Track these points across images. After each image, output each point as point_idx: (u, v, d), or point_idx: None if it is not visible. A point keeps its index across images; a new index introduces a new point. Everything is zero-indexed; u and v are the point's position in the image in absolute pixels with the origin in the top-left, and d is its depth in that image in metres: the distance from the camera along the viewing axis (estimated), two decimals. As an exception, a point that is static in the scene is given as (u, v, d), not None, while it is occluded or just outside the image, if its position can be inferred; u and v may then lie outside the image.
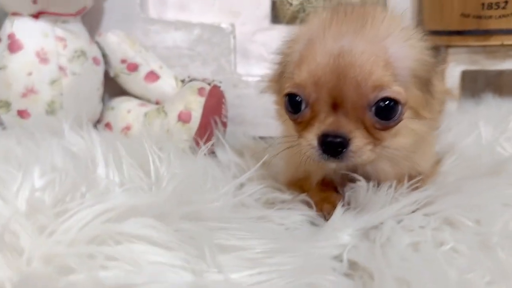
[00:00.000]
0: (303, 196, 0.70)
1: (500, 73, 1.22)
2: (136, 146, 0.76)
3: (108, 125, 0.92)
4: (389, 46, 0.56)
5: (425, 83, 0.60)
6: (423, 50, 0.60)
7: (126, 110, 0.91)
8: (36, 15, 0.84)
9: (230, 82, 1.07)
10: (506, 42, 1.07)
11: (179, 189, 0.57)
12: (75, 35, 0.87)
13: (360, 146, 0.55)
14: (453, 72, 1.16)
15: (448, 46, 1.15)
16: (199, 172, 0.73)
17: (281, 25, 1.22)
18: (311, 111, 0.57)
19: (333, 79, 0.54)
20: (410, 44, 0.58)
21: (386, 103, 0.55)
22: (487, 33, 1.07)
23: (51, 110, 0.84)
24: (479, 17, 1.07)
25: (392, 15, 0.61)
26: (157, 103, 0.96)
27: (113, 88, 0.99)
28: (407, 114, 0.58)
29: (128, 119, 0.90)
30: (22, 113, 0.83)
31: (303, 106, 0.58)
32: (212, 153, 0.90)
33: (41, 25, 0.84)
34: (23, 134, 0.78)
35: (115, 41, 0.92)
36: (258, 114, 1.06)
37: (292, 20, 1.25)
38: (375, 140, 0.56)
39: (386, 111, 0.55)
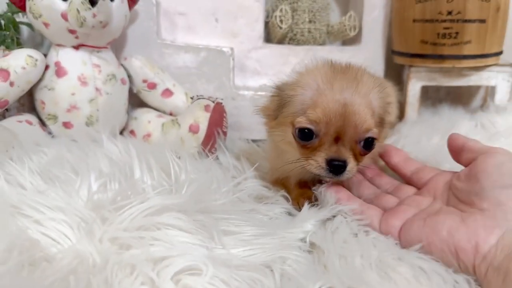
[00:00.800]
0: (283, 193, 0.95)
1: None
2: (158, 153, 0.99)
3: (132, 132, 1.15)
4: (372, 99, 0.81)
5: (383, 122, 0.86)
6: (385, 100, 0.85)
7: (147, 120, 1.15)
8: (77, 47, 1.06)
9: (230, 96, 1.29)
10: (457, 65, 1.30)
11: (195, 191, 0.80)
12: (107, 62, 1.09)
13: (352, 167, 0.79)
14: (414, 87, 1.39)
15: (410, 66, 1.38)
16: (208, 175, 0.97)
17: (272, 44, 1.45)
18: (319, 141, 0.79)
19: (340, 121, 0.77)
20: (380, 97, 0.83)
21: (369, 140, 0.80)
22: (442, 57, 1.30)
23: (90, 122, 1.06)
24: (435, 44, 1.29)
25: (370, 74, 0.86)
26: (170, 114, 1.19)
27: (135, 100, 1.22)
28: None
29: (149, 128, 1.13)
30: (66, 124, 1.06)
31: (313, 137, 0.79)
32: (215, 157, 1.14)
33: (81, 54, 1.06)
34: (70, 143, 1.00)
35: (138, 65, 1.15)
36: (252, 121, 1.29)
37: (281, 39, 1.48)
38: (357, 161, 0.82)
39: (369, 144, 0.81)
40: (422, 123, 1.29)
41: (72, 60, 1.05)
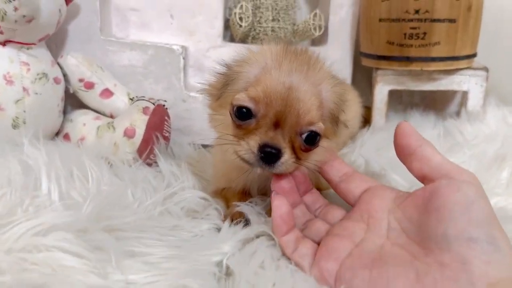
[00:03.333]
0: (216, 206, 0.87)
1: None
2: (82, 160, 0.91)
3: (66, 136, 1.07)
4: (322, 90, 0.72)
5: (335, 119, 0.76)
6: (340, 95, 0.75)
7: (82, 123, 1.06)
8: (3, 43, 0.98)
9: (180, 98, 1.21)
10: (425, 68, 1.21)
11: (100, 207, 0.72)
12: (37, 60, 1.00)
13: (287, 159, 0.69)
14: (381, 91, 1.30)
15: (377, 68, 1.29)
16: (124, 186, 0.88)
17: (232, 43, 1.36)
18: (256, 123, 0.69)
19: (282, 106, 0.67)
20: (333, 91, 0.74)
21: (312, 134, 0.70)
22: (409, 59, 1.21)
23: (16, 124, 0.98)
24: (401, 45, 1.20)
25: (324, 65, 0.76)
26: (111, 116, 1.11)
27: (76, 101, 1.14)
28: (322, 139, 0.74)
29: (83, 131, 1.05)
30: (-10, 127, 0.98)
31: (250, 117, 0.69)
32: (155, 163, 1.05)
33: (8, 51, 0.97)
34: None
35: (74, 63, 1.06)
36: (204, 126, 1.20)
37: (244, 38, 1.39)
38: (297, 157, 0.71)
39: (311, 139, 0.71)
40: (386, 130, 1.19)
41: (-2, 57, 0.97)
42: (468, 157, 0.95)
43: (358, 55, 1.39)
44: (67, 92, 1.10)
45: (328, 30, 1.36)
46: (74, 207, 0.72)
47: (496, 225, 0.53)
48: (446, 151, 0.98)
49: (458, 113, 1.33)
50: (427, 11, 1.16)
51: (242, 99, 0.70)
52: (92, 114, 1.09)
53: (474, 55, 1.25)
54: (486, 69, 1.26)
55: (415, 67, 1.21)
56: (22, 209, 0.68)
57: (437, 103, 1.50)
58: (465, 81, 1.26)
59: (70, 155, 0.92)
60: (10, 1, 0.88)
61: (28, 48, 1.00)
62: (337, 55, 1.37)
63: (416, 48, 1.19)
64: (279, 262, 0.66)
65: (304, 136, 0.70)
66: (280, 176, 0.73)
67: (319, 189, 0.86)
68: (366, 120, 1.32)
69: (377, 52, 1.26)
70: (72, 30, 1.15)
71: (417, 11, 1.16)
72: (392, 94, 1.34)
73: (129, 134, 1.00)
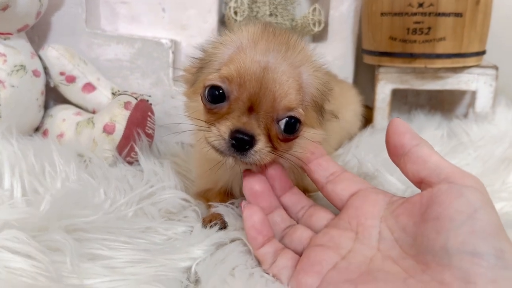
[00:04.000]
0: (195, 208, 0.80)
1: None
2: (54, 156, 0.86)
3: (45, 132, 1.01)
4: (302, 73, 0.65)
5: (319, 107, 0.69)
6: (323, 81, 0.69)
7: (61, 119, 1.00)
8: (-21, 32, 0.93)
9: (168, 94, 1.15)
10: (429, 66, 1.13)
11: (62, 205, 0.66)
12: (15, 51, 0.95)
13: (262, 148, 0.62)
14: (384, 90, 1.22)
15: (379, 66, 1.22)
16: (105, 183, 0.83)
17: (226, 38, 1.30)
18: (229, 107, 0.63)
19: (256, 87, 0.61)
20: (316, 75, 0.67)
21: (291, 121, 0.63)
22: (412, 56, 1.13)
23: (-9, 118, 0.93)
24: (404, 41, 1.13)
25: (306, 47, 0.70)
26: (94, 112, 1.05)
27: (59, 95, 1.08)
28: (302, 129, 0.67)
29: (62, 127, 0.99)
30: (-36, 121, 0.93)
31: (223, 100, 0.63)
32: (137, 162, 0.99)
33: (-17, 41, 0.93)
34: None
35: (55, 55, 1.00)
36: (194, 123, 1.15)
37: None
38: (274, 146, 0.64)
39: (290, 127, 0.64)
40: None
41: (-27, 47, 0.92)
42: (473, 159, 0.87)
43: (360, 52, 1.31)
44: (48, 86, 1.04)
45: (328, 26, 1.29)
46: (36, 204, 0.66)
47: (504, 237, 0.46)
48: (449, 151, 0.90)
49: (466, 115, 1.25)
50: (431, 5, 1.08)
51: (214, 79, 0.64)
52: (73, 110, 1.03)
53: (483, 53, 1.18)
54: (495, 67, 1.18)
55: (418, 64, 1.14)
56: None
57: (444, 104, 1.42)
58: (473, 80, 1.18)
59: (44, 151, 0.87)
60: (-18, -13, 0.83)
61: (5, 39, 0.95)
62: (338, 52, 1.30)
63: (420, 44, 1.12)
64: (253, 270, 0.59)
65: (282, 123, 0.63)
66: (251, 173, 0.66)
67: (306, 191, 0.79)
68: (368, 121, 1.24)
69: (379, 48, 1.18)
70: (56, 22, 1.10)
71: (421, 5, 1.09)
72: (396, 93, 1.26)
73: (108, 130, 0.94)
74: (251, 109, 0.62)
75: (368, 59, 1.25)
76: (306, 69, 0.66)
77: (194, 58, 0.73)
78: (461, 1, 1.08)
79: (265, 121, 0.63)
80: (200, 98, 0.67)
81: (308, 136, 0.68)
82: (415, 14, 1.10)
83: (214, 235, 0.66)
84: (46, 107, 1.07)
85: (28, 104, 0.97)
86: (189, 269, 0.62)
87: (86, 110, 1.05)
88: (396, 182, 0.78)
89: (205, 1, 1.24)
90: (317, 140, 0.70)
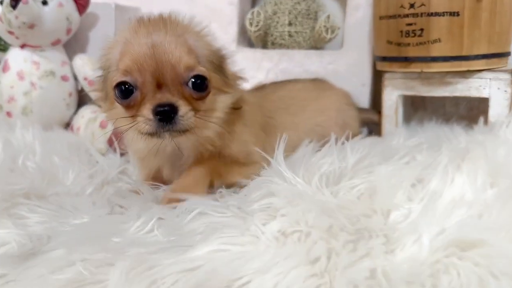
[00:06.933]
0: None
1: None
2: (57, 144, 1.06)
3: (72, 127, 1.24)
4: (187, 39, 0.75)
5: (219, 68, 0.78)
6: (210, 44, 0.79)
7: (81, 116, 1.22)
8: (22, 46, 1.19)
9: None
10: (426, 70, 1.06)
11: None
12: (47, 60, 1.20)
13: (186, 111, 0.71)
14: (390, 96, 1.18)
15: (384, 72, 1.18)
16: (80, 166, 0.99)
17: (246, 48, 1.39)
18: (141, 94, 0.72)
19: (153, 64, 0.71)
20: (201, 38, 0.78)
21: (198, 80, 0.73)
22: (407, 60, 1.07)
23: (25, 112, 1.18)
24: (399, 44, 1.08)
25: (183, 20, 0.79)
26: (110, 111, 1.24)
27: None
28: (213, 91, 0.76)
29: (81, 122, 1.20)
30: (8, 113, 1.20)
31: (133, 91, 0.72)
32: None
33: (24, 53, 1.19)
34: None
35: (80, 63, 1.23)
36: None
37: (264, 44, 1.40)
38: (195, 109, 0.73)
39: (199, 84, 0.73)
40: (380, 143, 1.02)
41: (16, 58, 1.19)
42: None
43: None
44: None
45: (344, 33, 1.29)
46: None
47: None
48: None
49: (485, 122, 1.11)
50: (423, 4, 1.02)
51: (118, 77, 0.73)
52: (91, 109, 1.24)
53: (498, 55, 1.05)
54: (511, 72, 1.04)
55: (414, 68, 1.07)
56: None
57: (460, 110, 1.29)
58: (485, 86, 1.06)
59: (50, 140, 1.08)
60: (11, 11, 1.08)
61: (41, 51, 1.20)
62: (353, 59, 1.29)
63: (414, 46, 1.05)
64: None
65: (190, 84, 0.72)
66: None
67: (231, 157, 0.84)
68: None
69: (382, 53, 1.15)
70: (92, 37, 1.33)
71: (412, 5, 1.03)
72: (407, 99, 1.20)
73: (103, 125, 1.12)
74: (159, 85, 0.71)
75: (377, 65, 1.21)
76: (190, 35, 0.75)
77: (96, 76, 0.83)
78: (455, -1, 1.00)
79: (176, 89, 0.72)
80: (115, 103, 0.77)
81: (222, 100, 0.77)
82: (407, 15, 1.05)
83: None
84: (80, 106, 1.29)
85: (55, 103, 1.21)
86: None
87: (104, 109, 1.25)
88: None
89: (226, 14, 1.36)
90: (231, 101, 0.79)
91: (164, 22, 0.75)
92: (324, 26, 1.27)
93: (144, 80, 0.71)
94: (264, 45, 1.41)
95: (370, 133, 1.25)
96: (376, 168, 0.78)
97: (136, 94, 0.73)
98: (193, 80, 0.72)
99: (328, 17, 1.27)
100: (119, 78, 0.73)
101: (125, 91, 0.73)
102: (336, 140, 0.88)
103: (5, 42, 1.34)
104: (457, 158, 0.75)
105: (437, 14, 1.01)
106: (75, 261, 0.59)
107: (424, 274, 0.54)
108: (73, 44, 1.30)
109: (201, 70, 0.72)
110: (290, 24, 1.35)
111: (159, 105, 0.69)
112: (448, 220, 0.63)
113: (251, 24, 1.32)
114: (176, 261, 0.58)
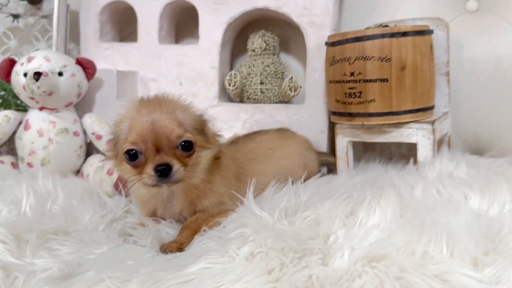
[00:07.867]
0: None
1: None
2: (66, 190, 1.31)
3: (82, 174, 1.49)
4: (177, 114, 1.00)
5: (201, 130, 1.04)
6: (195, 114, 1.05)
7: (90, 164, 1.48)
8: (40, 108, 1.46)
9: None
10: (365, 123, 1.35)
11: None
12: (62, 119, 1.46)
13: (178, 167, 0.97)
14: (342, 142, 1.46)
15: (336, 123, 1.46)
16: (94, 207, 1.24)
17: (225, 102, 1.67)
18: (144, 157, 0.95)
19: (153, 136, 0.96)
20: (186, 113, 1.03)
21: (185, 143, 0.99)
22: (351, 115, 1.36)
23: (43, 163, 1.44)
24: (344, 103, 1.37)
25: (174, 99, 1.05)
26: (113, 160, 1.51)
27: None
28: (198, 149, 1.02)
29: (90, 170, 1.46)
30: (29, 164, 1.45)
31: (138, 155, 0.96)
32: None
33: (42, 114, 1.45)
34: (16, 175, 1.39)
35: (88, 121, 1.50)
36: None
37: (241, 98, 1.68)
38: (184, 164, 0.99)
39: (187, 147, 0.99)
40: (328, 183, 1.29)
41: (36, 118, 1.45)
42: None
43: (329, 111, 1.56)
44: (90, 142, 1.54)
45: (305, 91, 1.58)
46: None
47: None
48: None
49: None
50: (360, 73, 1.31)
51: (128, 146, 0.99)
52: (99, 158, 1.49)
53: (423, 109, 1.34)
54: (432, 122, 1.33)
55: (357, 121, 1.35)
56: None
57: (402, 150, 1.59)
58: (413, 134, 1.35)
59: (67, 186, 1.33)
60: (34, 83, 1.35)
61: (57, 112, 1.47)
62: (313, 112, 1.57)
63: (356, 105, 1.34)
64: None
65: (180, 147, 0.98)
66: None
67: (206, 211, 1.10)
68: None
69: (332, 108, 1.43)
70: (97, 97, 1.60)
71: (352, 73, 1.32)
72: (358, 143, 1.48)
73: (110, 172, 1.37)
74: (158, 150, 0.97)
75: (331, 118, 1.50)
76: (179, 111, 1.00)
77: (108, 140, 1.10)
78: (384, 69, 1.28)
79: (170, 152, 0.97)
80: (124, 162, 1.03)
81: (204, 154, 1.03)
82: (349, 81, 1.34)
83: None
84: (89, 155, 1.55)
85: (69, 154, 1.47)
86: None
87: (108, 158, 1.51)
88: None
89: (209, 76, 1.64)
90: (212, 155, 1.05)
91: (159, 102, 1.01)
92: (289, 85, 1.55)
93: (147, 147, 0.97)
94: (241, 100, 1.68)
95: (329, 171, 1.54)
96: (322, 203, 1.04)
97: (141, 158, 0.98)
98: (182, 144, 0.97)
99: (291, 78, 1.55)
100: (128, 146, 0.99)
101: (132, 155, 0.99)
102: (293, 181, 1.14)
103: (25, 104, 1.61)
104: (376, 195, 1.03)
105: (371, 80, 1.30)
106: (104, 278, 0.83)
107: (344, 279, 0.80)
108: (82, 105, 1.57)
109: (188, 136, 0.98)
110: (261, 83, 1.63)
111: (159, 165, 0.95)
112: (365, 241, 0.89)
113: (229, 84, 1.60)
114: (175, 276, 0.82)
